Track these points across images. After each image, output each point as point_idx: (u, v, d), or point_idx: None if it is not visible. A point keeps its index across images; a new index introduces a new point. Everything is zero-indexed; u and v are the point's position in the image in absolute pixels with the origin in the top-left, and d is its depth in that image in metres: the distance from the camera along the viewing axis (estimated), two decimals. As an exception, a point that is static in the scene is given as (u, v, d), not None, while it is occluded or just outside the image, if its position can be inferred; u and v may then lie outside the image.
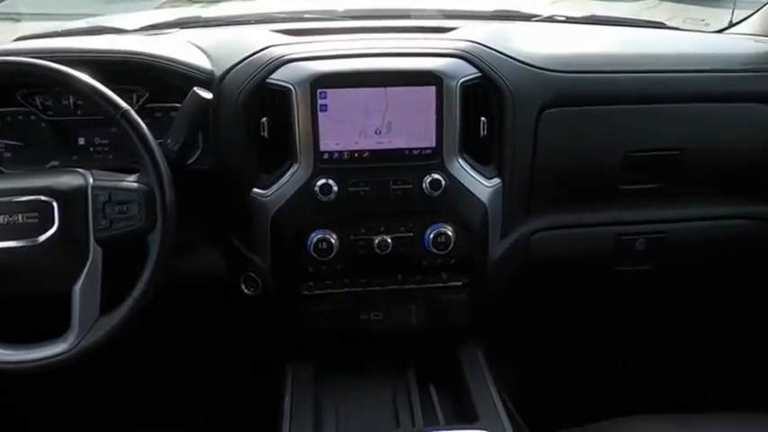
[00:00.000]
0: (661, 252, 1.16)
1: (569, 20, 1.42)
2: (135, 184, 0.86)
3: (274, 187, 0.99)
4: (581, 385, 1.34)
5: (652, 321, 1.41)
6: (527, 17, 1.41)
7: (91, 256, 0.84)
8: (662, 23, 1.46)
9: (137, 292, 0.84)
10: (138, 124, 0.85)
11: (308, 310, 1.06)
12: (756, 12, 1.27)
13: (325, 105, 0.96)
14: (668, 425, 1.00)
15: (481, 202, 1.02)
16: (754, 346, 1.36)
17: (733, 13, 1.36)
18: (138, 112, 0.88)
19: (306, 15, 1.30)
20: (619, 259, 1.17)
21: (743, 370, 1.37)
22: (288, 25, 1.18)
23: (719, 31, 1.35)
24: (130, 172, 0.89)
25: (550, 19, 1.40)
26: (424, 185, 0.99)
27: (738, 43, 1.23)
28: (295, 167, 0.98)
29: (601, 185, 1.12)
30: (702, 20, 1.57)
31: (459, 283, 1.07)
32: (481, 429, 0.94)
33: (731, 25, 1.34)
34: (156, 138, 0.88)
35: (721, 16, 1.42)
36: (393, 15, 1.32)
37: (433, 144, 0.99)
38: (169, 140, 0.92)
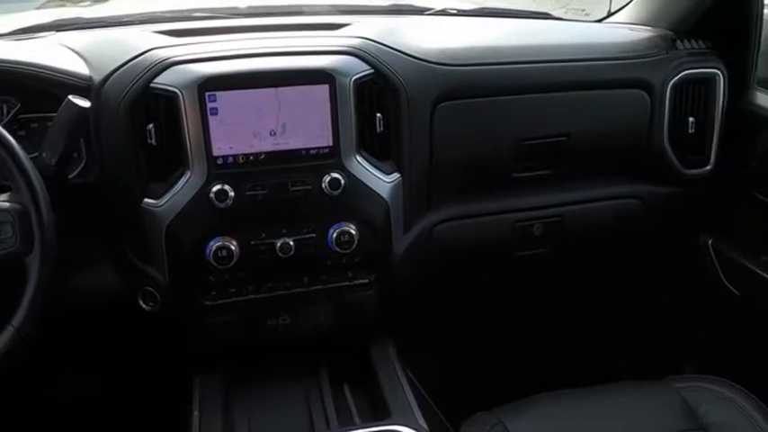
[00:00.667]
0: (558, 235, 1.21)
1: (461, 13, 1.45)
2: (6, 204, 0.79)
3: (167, 196, 0.95)
4: (492, 369, 1.38)
5: (553, 302, 1.48)
6: (420, 11, 1.42)
7: None
8: (548, 14, 1.52)
9: (17, 321, 0.78)
10: (5, 139, 0.79)
11: (213, 321, 1.03)
12: (631, 1, 1.34)
13: (216, 109, 0.93)
14: (573, 399, 1.05)
15: (382, 198, 1.02)
16: (646, 319, 1.46)
17: (611, 2, 1.44)
18: (10, 124, 0.82)
19: (193, 15, 1.25)
20: (517, 245, 1.21)
21: (638, 341, 1.46)
22: (173, 25, 1.13)
23: (599, 21, 1.41)
24: (3, 191, 0.82)
25: (443, 12, 1.42)
26: (323, 185, 0.98)
27: (615, 32, 1.29)
28: (188, 175, 0.94)
29: (496, 175, 1.15)
30: (583, 10, 1.65)
31: (366, 281, 1.07)
32: (394, 425, 0.95)
33: (609, 15, 1.41)
34: (34, 150, 0.82)
35: (603, 6, 1.50)
36: (284, 12, 1.30)
37: (330, 143, 0.98)
38: (44, 154, 0.85)
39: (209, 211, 0.94)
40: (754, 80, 1.22)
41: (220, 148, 0.94)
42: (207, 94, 0.92)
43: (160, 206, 0.95)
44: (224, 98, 0.93)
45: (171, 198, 0.95)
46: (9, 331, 0.78)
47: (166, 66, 0.94)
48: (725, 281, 1.25)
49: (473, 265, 1.27)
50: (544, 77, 1.13)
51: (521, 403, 1.02)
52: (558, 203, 1.20)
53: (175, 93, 0.92)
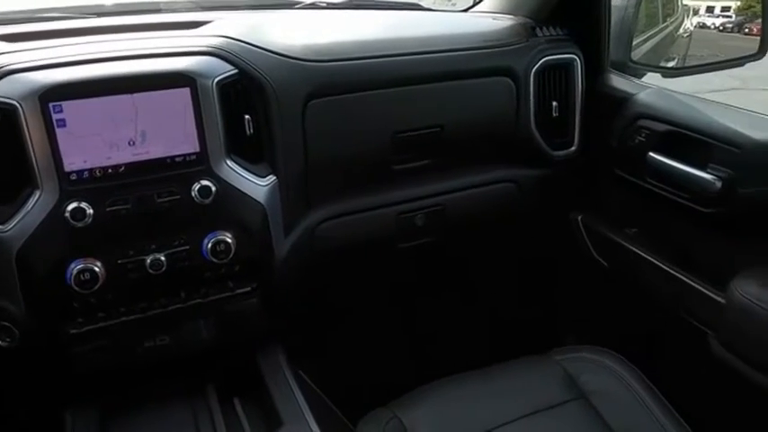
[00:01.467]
0: (440, 224, 1.23)
1: (330, 6, 1.43)
2: None
3: (15, 219, 0.86)
4: (387, 363, 1.40)
5: (439, 289, 1.51)
6: (289, 5, 1.39)
7: None
8: (418, 5, 1.53)
9: None
10: None
11: (81, 350, 0.94)
12: (492, -8, 1.39)
13: (63, 120, 0.85)
14: (463, 383, 1.07)
15: (258, 202, 0.99)
16: (529, 296, 1.53)
17: (476, -8, 1.48)
18: None
19: (36, 16, 1.14)
20: (401, 237, 1.22)
21: (523, 318, 1.53)
22: (12, 29, 1.02)
23: (465, 11, 1.45)
24: None
25: (313, 6, 1.40)
26: (193, 194, 0.93)
27: (480, 21, 1.33)
28: (37, 194, 0.86)
29: (375, 169, 1.15)
30: (450, 0, 1.68)
31: (248, 289, 1.03)
32: None
33: (474, 4, 1.45)
34: None
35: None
36: (140, 11, 1.21)
37: (197, 149, 0.93)
38: None
39: (66, 232, 0.87)
40: (608, 63, 1.30)
41: (73, 162, 0.86)
42: (51, 104, 0.84)
43: (7, 231, 0.86)
44: (71, 108, 0.85)
45: (20, 221, 0.86)
46: None
47: (1, 75, 0.85)
48: (595, 254, 1.33)
49: (359, 260, 1.26)
50: (414, 69, 1.14)
51: (413, 395, 1.03)
52: (439, 193, 1.22)
53: (14, 105, 0.83)
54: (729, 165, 1.02)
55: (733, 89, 5.01)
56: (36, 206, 0.86)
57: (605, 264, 1.31)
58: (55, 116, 0.84)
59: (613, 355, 1.12)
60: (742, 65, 1.37)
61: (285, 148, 1.02)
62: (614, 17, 1.29)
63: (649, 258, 1.19)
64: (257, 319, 1.05)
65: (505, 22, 1.29)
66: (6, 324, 0.90)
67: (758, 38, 1.27)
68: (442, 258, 1.41)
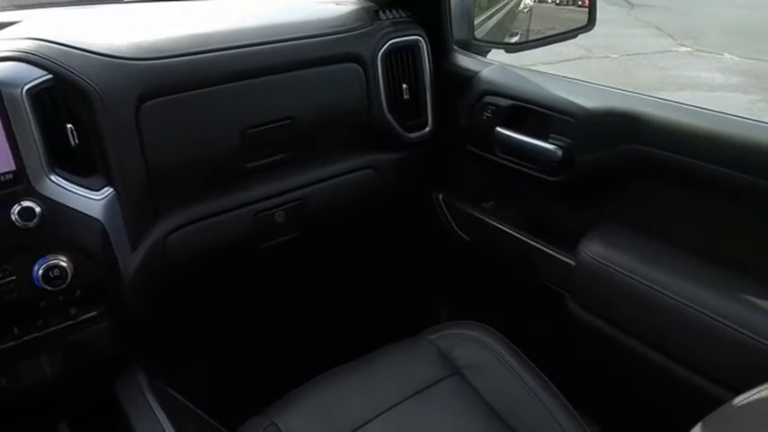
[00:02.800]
0: (300, 218, 1.20)
1: (163, -2, 1.34)
2: None
3: None
4: (263, 368, 1.35)
5: (309, 286, 1.49)
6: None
7: None
8: (258, -9, 1.47)
9: None
10: None
11: None
12: (334, -25, 1.36)
13: None
14: (338, 378, 1.06)
15: (94, 219, 0.90)
16: (400, 279, 1.54)
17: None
18: None
19: None
20: (261, 236, 1.17)
21: (397, 302, 1.54)
22: None
23: (308, -4, 1.41)
24: None
25: (144, -1, 1.30)
26: (13, 217, 0.83)
27: (323, 7, 1.29)
28: None
29: (226, 169, 1.09)
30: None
31: (94, 313, 0.95)
32: None
33: (319, -11, 1.42)
34: None
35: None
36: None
37: (12, 167, 0.83)
38: None
39: None
40: (452, 42, 1.32)
41: None
42: None
43: None
44: None
45: None
46: None
47: None
48: (458, 231, 1.36)
49: (220, 266, 1.21)
50: (257, 61, 1.08)
51: (288, 398, 1.00)
52: (297, 187, 1.19)
53: None
54: (567, 134, 1.07)
55: (580, 58, 5.39)
56: None
57: (467, 238, 1.35)
58: None
59: (484, 328, 1.15)
60: (575, 36, 1.45)
61: (119, 157, 0.94)
62: (453, -2, 1.32)
63: (506, 230, 1.23)
64: (109, 344, 0.97)
65: (348, 6, 1.27)
66: None
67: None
68: (308, 253, 1.39)
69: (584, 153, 1.05)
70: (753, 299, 0.86)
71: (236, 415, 1.02)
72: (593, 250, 1.03)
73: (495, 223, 1.25)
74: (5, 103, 0.81)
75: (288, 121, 1.12)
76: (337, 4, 1.30)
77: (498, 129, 1.18)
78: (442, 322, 1.22)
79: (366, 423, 0.96)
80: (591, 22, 1.33)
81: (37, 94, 0.84)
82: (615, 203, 1.07)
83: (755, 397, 0.49)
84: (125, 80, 0.94)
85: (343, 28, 1.20)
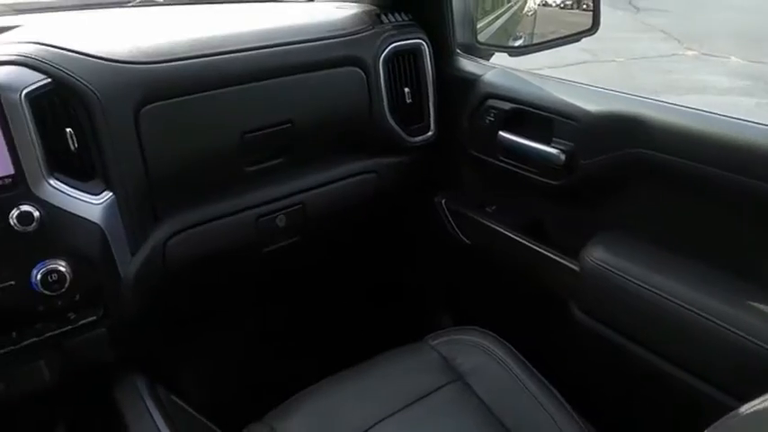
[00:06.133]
0: (302, 223, 1.19)
1: (168, 2, 1.34)
2: None
3: None
4: (264, 373, 1.34)
5: (310, 290, 1.48)
6: (120, 3, 1.29)
7: None
8: (264, -5, 1.47)
9: None
10: None
11: None
12: (338, -21, 1.36)
13: None
14: (339, 384, 1.05)
15: (93, 223, 0.90)
16: (402, 284, 1.53)
17: (321, -19, 1.44)
18: None
19: None
20: (263, 241, 1.17)
21: (399, 307, 1.53)
22: None
23: (310, 0, 1.41)
24: None
25: (148, 3, 1.31)
26: (11, 222, 0.82)
27: (325, 11, 1.29)
28: None
29: (226, 173, 1.08)
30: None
31: (94, 318, 0.94)
32: None
33: (319, -7, 1.42)
34: None
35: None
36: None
37: (11, 171, 0.83)
38: None
39: None
40: (455, 46, 1.31)
41: None
42: None
43: None
44: None
45: None
46: None
47: None
48: (460, 235, 1.35)
49: (221, 271, 1.20)
50: (258, 65, 1.08)
51: (289, 404, 1.00)
52: (298, 191, 1.18)
53: None
54: (570, 137, 1.06)
55: (585, 62, 5.37)
56: None
57: (470, 243, 1.34)
58: None
59: (486, 334, 1.14)
60: (579, 40, 1.44)
61: (119, 161, 0.93)
62: (458, 0, 1.31)
63: (509, 234, 1.22)
64: (107, 349, 0.96)
65: (350, 10, 1.27)
66: None
67: (594, 13, 1.33)
68: (310, 258, 1.38)
69: (587, 157, 1.04)
70: (760, 305, 0.84)
71: (235, 420, 1.01)
72: (598, 256, 1.02)
73: (497, 228, 1.24)
74: (4, 107, 0.81)
75: (288, 125, 1.11)
76: (338, 7, 1.30)
77: (501, 133, 1.17)
78: (445, 327, 1.21)
79: (366, 430, 0.95)
80: (595, 26, 1.32)
81: (36, 98, 0.84)
82: (619, 208, 1.06)
83: (762, 405, 0.48)
84: (124, 84, 0.94)
85: (345, 31, 1.19)
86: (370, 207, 1.29)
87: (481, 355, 1.10)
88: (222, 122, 1.05)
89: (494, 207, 1.29)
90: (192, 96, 1.01)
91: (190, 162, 1.03)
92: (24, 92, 0.83)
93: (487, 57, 1.37)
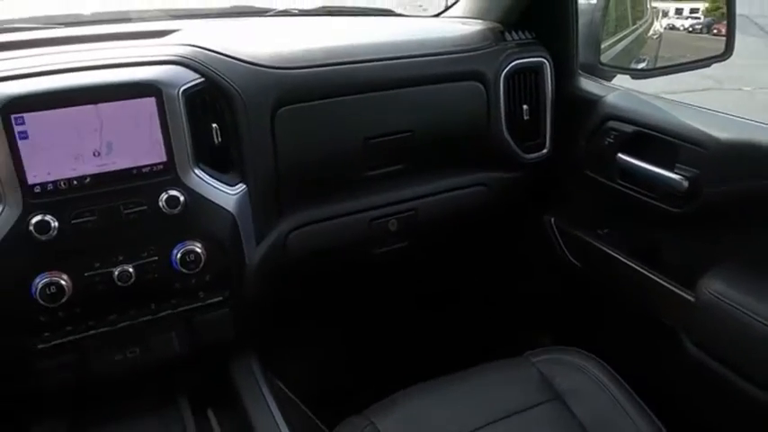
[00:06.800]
0: (413, 228, 1.23)
1: (303, 13, 1.44)
2: None
3: None
4: (364, 369, 1.39)
5: (414, 295, 1.51)
6: (260, 12, 1.39)
7: None
8: (390, 11, 1.54)
9: None
10: None
11: (49, 365, 0.93)
12: (462, -3, 1.40)
13: (25, 132, 0.84)
14: (439, 388, 1.07)
15: (227, 211, 0.98)
16: (504, 298, 1.53)
17: (447, -3, 1.49)
18: None
19: (3, 27, 1.13)
20: (374, 242, 1.22)
21: (499, 321, 1.53)
22: None
23: (436, 16, 1.46)
24: None
25: (285, 12, 1.40)
26: (160, 204, 0.92)
27: (450, 26, 1.33)
28: (0, 208, 0.85)
29: (347, 175, 1.14)
30: (420, 5, 1.69)
31: (220, 298, 1.03)
32: None
33: (446, 9, 1.46)
34: None
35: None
36: (108, 20, 1.21)
37: (164, 159, 0.92)
38: None
39: (31, 246, 0.86)
40: (578, 66, 1.31)
41: (36, 174, 0.85)
42: (13, 116, 0.83)
43: None
44: (34, 120, 0.84)
45: None
46: None
47: None
48: (568, 255, 1.34)
49: (332, 267, 1.26)
50: (384, 75, 1.14)
51: (389, 401, 1.03)
52: (411, 198, 1.22)
53: None
54: (696, 164, 1.03)
55: (707, 89, 5.10)
56: None
57: (578, 264, 1.32)
58: (17, 128, 0.83)
59: (588, 356, 1.12)
60: (709, 65, 1.39)
61: (254, 157, 1.01)
62: (583, 21, 1.31)
63: (621, 258, 1.20)
64: (229, 328, 1.05)
65: (475, 26, 1.30)
66: None
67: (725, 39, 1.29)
68: (416, 263, 1.42)
69: (711, 185, 1.01)
70: None
71: (332, 413, 1.06)
72: (716, 288, 0.98)
73: (609, 251, 1.22)
74: (164, 101, 0.91)
75: (408, 134, 1.16)
76: (464, 23, 1.33)
77: (620, 155, 1.15)
78: (545, 345, 1.21)
79: None
80: (728, 51, 1.28)
81: (190, 95, 0.94)
82: (742, 240, 1.02)
83: None
84: (264, 86, 1.02)
85: (468, 47, 1.23)
86: (478, 219, 1.32)
87: (582, 376, 1.08)
88: (348, 127, 1.11)
89: (605, 230, 1.27)
90: (322, 101, 1.08)
91: (315, 162, 1.10)
92: (182, 89, 0.92)
93: (609, 78, 1.35)
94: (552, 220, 1.37)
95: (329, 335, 1.43)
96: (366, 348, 1.48)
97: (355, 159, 1.13)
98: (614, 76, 1.38)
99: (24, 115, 0.83)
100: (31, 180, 0.85)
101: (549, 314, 1.52)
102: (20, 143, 0.84)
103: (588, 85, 1.28)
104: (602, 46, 1.40)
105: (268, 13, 1.39)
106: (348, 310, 1.44)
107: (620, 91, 1.22)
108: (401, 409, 1.02)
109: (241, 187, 1.01)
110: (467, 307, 1.54)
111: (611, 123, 1.18)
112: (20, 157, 0.84)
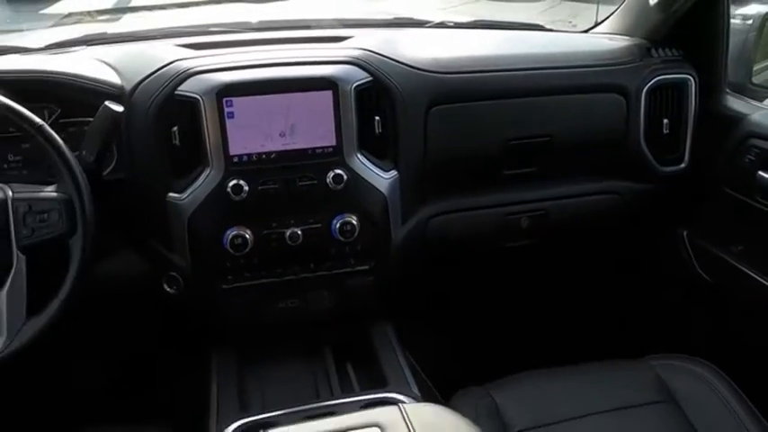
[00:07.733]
0: (543, 227, 1.32)
1: (458, 25, 1.56)
2: (54, 194, 0.91)
3: (189, 190, 1.06)
4: (484, 350, 1.49)
5: (539, 288, 1.58)
6: (420, 24, 1.54)
7: (15, 263, 0.89)
8: (540, 26, 1.63)
9: (62, 294, 0.90)
10: (54, 137, 0.91)
11: (229, 303, 1.14)
12: (611, 14, 1.45)
13: (232, 113, 1.04)
14: (557, 376, 1.15)
15: (381, 192, 1.14)
16: (627, 303, 1.56)
17: (597, 15, 1.55)
18: (51, 127, 0.93)
19: (209, 29, 1.36)
20: (506, 236, 1.32)
21: (620, 324, 1.56)
22: (192, 39, 1.25)
23: (585, 32, 1.52)
24: (46, 185, 0.94)
25: (441, 25, 1.53)
26: (327, 180, 1.09)
27: (597, 41, 1.40)
28: (207, 171, 1.06)
29: (487, 172, 1.26)
30: (570, 21, 1.75)
31: (366, 267, 1.18)
32: (391, 392, 1.06)
33: (595, 26, 1.52)
34: (73, 151, 0.94)
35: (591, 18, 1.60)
36: (293, 26, 1.42)
37: (334, 143, 1.09)
38: (83, 152, 0.97)
39: (226, 204, 1.06)
40: (725, 84, 1.32)
41: (236, 148, 1.06)
42: (224, 99, 1.03)
43: (183, 199, 1.06)
44: (239, 103, 1.04)
45: (192, 192, 1.06)
46: (56, 303, 0.90)
47: (189, 75, 1.06)
48: (699, 269, 1.34)
49: (465, 254, 1.38)
50: (529, 83, 1.24)
51: (509, 379, 1.12)
52: (544, 198, 1.31)
53: (197, 99, 1.03)
54: None
55: None
56: (206, 181, 1.06)
57: (709, 279, 1.33)
58: (227, 109, 1.04)
59: (709, 366, 1.14)
60: None
61: (407, 148, 1.16)
62: (735, 40, 1.31)
63: (756, 276, 1.19)
64: (371, 295, 1.20)
65: (621, 42, 1.36)
66: (174, 275, 1.11)
67: None
68: (544, 259, 1.49)
69: None
70: None
71: (450, 386, 1.16)
72: None
73: (743, 268, 1.22)
74: (339, 94, 1.08)
75: (547, 138, 1.25)
76: (611, 39, 1.39)
77: (761, 173, 1.16)
78: (666, 352, 1.23)
79: (574, 418, 1.03)
80: None
81: (360, 91, 1.10)
82: None
83: None
84: (422, 87, 1.16)
85: (613, 61, 1.29)
86: (608, 225, 1.37)
87: (700, 384, 1.10)
88: (492, 128, 1.23)
89: (741, 247, 1.27)
90: (471, 103, 1.21)
91: (459, 157, 1.22)
92: (354, 85, 1.09)
93: (761, 99, 1.34)
94: (685, 233, 1.38)
95: (456, 317, 1.54)
96: (489, 334, 1.57)
97: (496, 158, 1.24)
98: (766, 98, 1.37)
99: (233, 99, 1.04)
100: (232, 151, 1.05)
101: (672, 323, 1.52)
102: (227, 122, 1.04)
103: (734, 102, 1.29)
104: (756, 67, 1.40)
105: (426, 25, 1.53)
106: (475, 295, 1.55)
107: (766, 110, 1.22)
108: (519, 388, 1.11)
109: (393, 173, 1.16)
110: (590, 307, 1.59)
111: (754, 141, 1.18)
112: (226, 132, 1.04)
